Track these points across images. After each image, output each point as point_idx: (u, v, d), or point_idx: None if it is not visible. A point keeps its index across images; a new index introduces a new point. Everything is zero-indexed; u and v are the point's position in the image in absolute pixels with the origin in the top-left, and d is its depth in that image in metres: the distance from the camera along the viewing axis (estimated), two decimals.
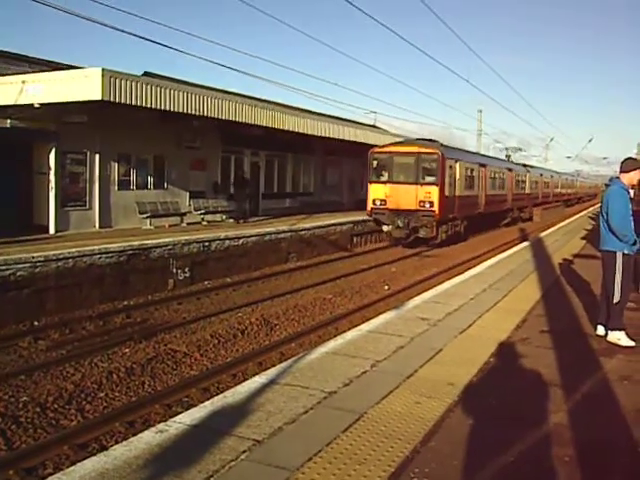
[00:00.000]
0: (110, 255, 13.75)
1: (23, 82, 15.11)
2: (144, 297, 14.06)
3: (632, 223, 6.82)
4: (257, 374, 5.83)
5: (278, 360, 8.94)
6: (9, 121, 16.12)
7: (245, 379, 7.09)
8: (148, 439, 4.02)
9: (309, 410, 4.57)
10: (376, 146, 25.92)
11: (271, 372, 5.59)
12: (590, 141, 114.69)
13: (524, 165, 44.01)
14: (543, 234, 23.00)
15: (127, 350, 10.08)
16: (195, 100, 17.76)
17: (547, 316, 8.18)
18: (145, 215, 19.60)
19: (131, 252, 14.27)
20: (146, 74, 19.85)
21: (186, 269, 15.69)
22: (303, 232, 20.94)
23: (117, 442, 6.02)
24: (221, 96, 19.52)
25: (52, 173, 17.18)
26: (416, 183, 23.37)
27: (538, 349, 6.51)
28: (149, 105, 16.16)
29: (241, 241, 17.84)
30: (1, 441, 6.72)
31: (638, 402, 5.00)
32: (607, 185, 7.46)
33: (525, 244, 18.77)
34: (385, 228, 23.93)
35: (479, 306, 8.70)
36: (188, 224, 20.63)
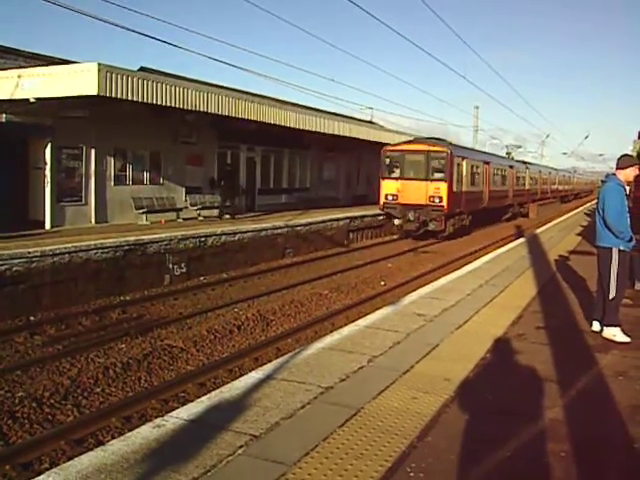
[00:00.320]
0: (106, 250, 13.73)
1: (19, 77, 15.06)
2: (140, 292, 14.04)
3: (628, 219, 6.84)
4: (253, 369, 5.85)
5: (274, 355, 8.94)
6: (4, 116, 16.05)
7: (241, 374, 7.10)
8: (145, 434, 4.02)
9: (306, 405, 4.58)
10: (388, 144, 27.34)
11: (268, 367, 5.59)
12: (586, 138, 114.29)
13: (524, 162, 45.31)
14: (539, 230, 23.05)
15: (123, 345, 10.08)
16: (191, 95, 17.73)
17: (543, 312, 8.20)
18: (141, 210, 19.57)
19: (127, 247, 14.25)
20: (142, 69, 19.80)
21: (182, 264, 15.67)
22: (299, 228, 20.93)
23: (114, 437, 6.01)
24: (217, 91, 19.49)
25: (48, 168, 17.13)
26: (426, 179, 24.77)
27: (534, 345, 6.53)
28: (145, 100, 16.13)
29: (237, 237, 17.83)
30: None
31: (633, 398, 5.03)
32: (603, 182, 7.46)
33: (521, 240, 18.82)
34: (396, 221, 25.15)
35: (475, 302, 8.72)
36: (184, 219, 20.61)
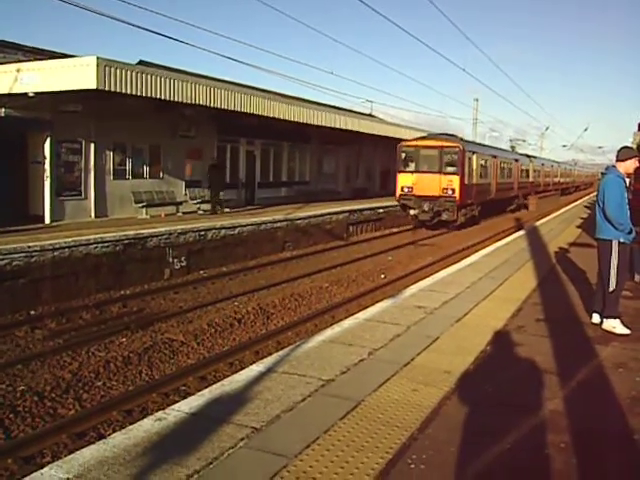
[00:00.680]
0: (106, 244, 13.73)
1: (18, 71, 15.02)
2: (140, 286, 14.05)
3: (628, 212, 6.84)
4: (254, 363, 5.85)
5: (275, 349, 8.96)
6: (3, 110, 16.03)
7: (242, 368, 7.10)
8: (147, 427, 4.04)
9: (307, 398, 4.59)
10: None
11: (268, 360, 5.60)
12: (586, 130, 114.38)
13: (527, 155, 46.89)
14: (539, 223, 23.05)
15: (124, 339, 10.09)
16: (190, 89, 17.69)
17: (543, 304, 8.21)
18: (141, 204, 19.57)
19: (127, 241, 14.25)
20: (141, 63, 19.75)
21: (182, 258, 15.68)
22: (299, 221, 20.93)
23: (115, 431, 6.03)
24: (216, 85, 19.45)
25: (47, 162, 17.12)
26: (439, 172, 26.35)
27: (534, 337, 6.54)
28: (144, 94, 16.10)
29: (237, 230, 17.83)
30: None
31: (633, 389, 5.04)
32: (603, 174, 7.46)
33: (521, 233, 18.81)
34: (412, 212, 26.67)
35: (475, 295, 8.73)
36: (184, 213, 20.62)
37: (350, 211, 24.63)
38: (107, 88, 14.83)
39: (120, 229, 15.04)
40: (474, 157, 28.47)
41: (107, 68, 14.77)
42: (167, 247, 15.28)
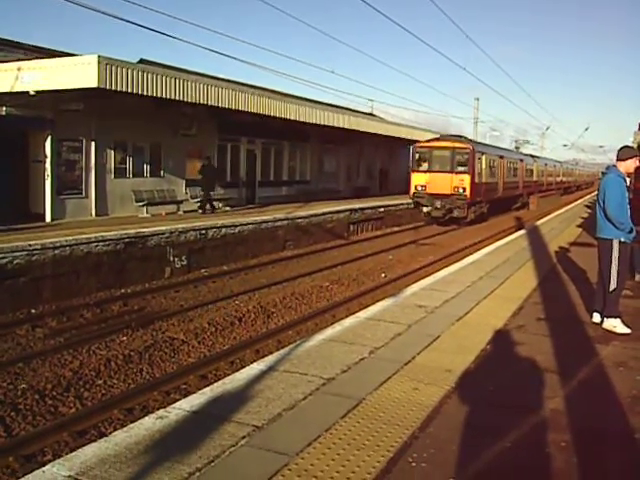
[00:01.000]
0: (107, 243, 13.74)
1: (19, 69, 15.03)
2: (141, 285, 14.06)
3: (629, 211, 6.84)
4: (255, 361, 5.86)
5: (276, 347, 8.95)
6: (4, 109, 16.03)
7: (243, 366, 7.10)
8: (148, 425, 4.04)
9: (308, 396, 4.59)
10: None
11: (269, 359, 5.61)
12: (586, 129, 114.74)
13: (532, 156, 48.30)
14: (539, 222, 23.03)
15: (125, 338, 10.10)
16: (191, 87, 17.70)
17: (543, 304, 8.21)
18: (142, 203, 19.57)
19: (128, 240, 14.26)
20: (142, 61, 19.75)
21: (183, 257, 15.69)
22: (300, 220, 20.93)
23: (116, 429, 6.04)
24: (217, 83, 19.46)
25: (48, 161, 17.12)
26: (451, 172, 27.83)
27: (535, 336, 6.54)
28: (145, 92, 16.11)
29: (238, 229, 17.83)
30: (0, 428, 6.75)
31: (633, 388, 5.05)
32: (604, 173, 7.46)
33: (522, 232, 18.80)
34: (425, 209, 28.11)
35: (476, 294, 8.73)
36: (185, 212, 20.62)
37: (351, 210, 24.64)
38: (108, 87, 14.84)
39: (121, 228, 15.05)
40: (483, 157, 30.03)
41: (108, 67, 14.78)
42: (168, 246, 15.29)
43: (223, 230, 17.23)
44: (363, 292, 13.56)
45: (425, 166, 28.43)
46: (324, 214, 22.55)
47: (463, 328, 6.80)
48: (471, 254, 14.36)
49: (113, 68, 14.91)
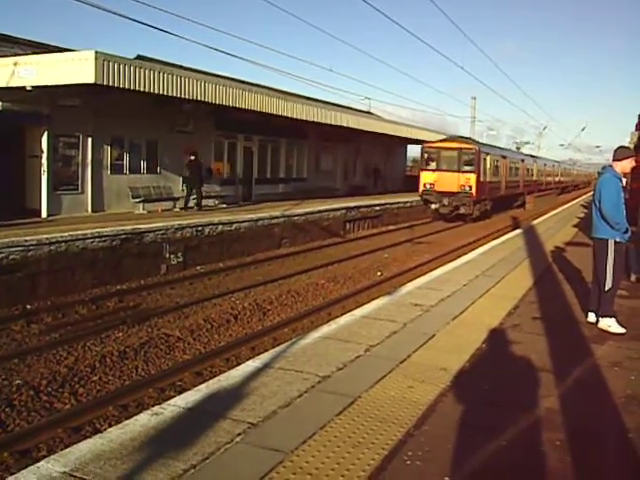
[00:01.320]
0: (103, 239, 13.72)
1: (15, 64, 14.99)
2: (137, 281, 14.05)
3: (624, 211, 6.85)
4: (250, 358, 5.85)
5: (271, 345, 8.96)
6: (1, 104, 15.97)
7: (238, 363, 7.08)
8: (144, 421, 4.04)
9: (303, 394, 4.60)
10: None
11: (265, 356, 5.61)
12: (583, 129, 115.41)
13: (532, 156, 49.98)
14: (535, 222, 23.07)
15: (120, 334, 10.10)
16: (188, 84, 17.66)
17: (539, 303, 8.23)
18: (138, 199, 19.54)
19: (124, 236, 14.23)
20: (139, 57, 19.72)
21: (179, 254, 15.67)
22: (296, 218, 20.93)
23: (111, 425, 6.04)
24: (215, 80, 19.43)
25: (44, 156, 17.07)
26: (458, 171, 29.40)
27: (530, 335, 6.55)
28: (142, 89, 16.08)
29: (234, 226, 17.82)
30: None
31: (628, 388, 5.06)
32: (600, 173, 7.47)
33: (518, 231, 18.83)
34: (433, 206, 29.62)
35: (472, 292, 8.74)
36: (181, 208, 20.57)
37: (347, 208, 24.65)
38: (105, 82, 14.82)
39: (117, 224, 15.02)
40: (488, 158, 31.66)
41: (105, 62, 14.74)
42: (164, 242, 15.27)
43: (219, 227, 17.22)
44: (359, 290, 13.58)
45: (433, 165, 29.88)
46: (320, 212, 22.55)
47: (458, 327, 6.81)
48: (467, 253, 14.37)
49: (110, 64, 14.88)
